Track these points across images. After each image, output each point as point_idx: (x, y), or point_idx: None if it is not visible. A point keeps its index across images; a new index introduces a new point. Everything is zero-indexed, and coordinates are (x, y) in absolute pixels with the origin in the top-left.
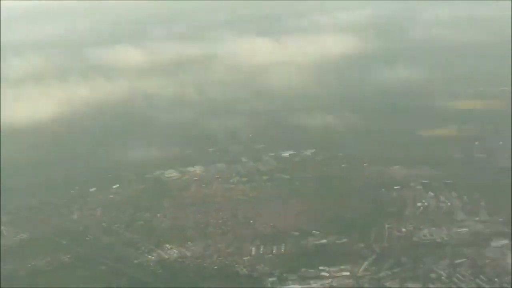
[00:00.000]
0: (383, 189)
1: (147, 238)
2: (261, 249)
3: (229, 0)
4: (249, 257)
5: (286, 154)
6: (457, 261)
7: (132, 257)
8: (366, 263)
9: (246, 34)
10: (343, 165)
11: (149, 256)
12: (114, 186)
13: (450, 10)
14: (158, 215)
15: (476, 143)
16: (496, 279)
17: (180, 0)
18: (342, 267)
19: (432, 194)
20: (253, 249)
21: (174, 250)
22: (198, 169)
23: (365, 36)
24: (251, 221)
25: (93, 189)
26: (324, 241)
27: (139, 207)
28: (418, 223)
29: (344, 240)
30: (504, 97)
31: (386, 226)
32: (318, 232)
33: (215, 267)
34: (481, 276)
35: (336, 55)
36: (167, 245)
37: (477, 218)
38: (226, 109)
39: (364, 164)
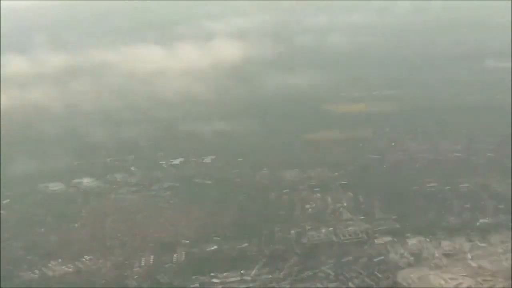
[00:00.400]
0: (273, 193)
1: (30, 256)
2: (152, 260)
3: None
4: (139, 268)
5: (177, 162)
6: (343, 260)
7: (13, 276)
8: (257, 266)
9: (138, 41)
10: (235, 171)
11: (32, 274)
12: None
13: (339, 16)
14: (42, 230)
15: (361, 144)
16: (380, 275)
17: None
18: (233, 272)
19: (319, 195)
20: (144, 260)
21: (60, 266)
22: (86, 180)
23: (257, 42)
24: (142, 232)
25: None
26: (214, 247)
27: (22, 223)
28: (306, 225)
29: (234, 245)
30: (394, 100)
31: (276, 229)
32: (208, 239)
33: (103, 281)
34: (366, 273)
35: (229, 61)
36: (52, 261)
37: (362, 217)
38: (117, 118)
39: (255, 169)
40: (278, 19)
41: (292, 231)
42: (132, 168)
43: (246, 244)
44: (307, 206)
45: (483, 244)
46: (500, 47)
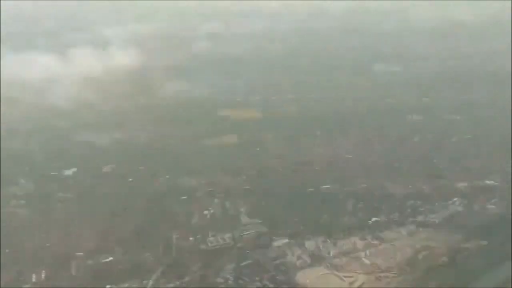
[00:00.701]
0: (172, 201)
1: None
2: (44, 275)
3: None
4: (31, 284)
5: (70, 172)
6: (242, 264)
7: None
8: (154, 276)
9: (29, 48)
10: (133, 179)
11: None
12: None
13: (235, 23)
14: None
15: (258, 149)
16: (279, 277)
17: None
18: (131, 282)
19: (217, 201)
20: (35, 276)
21: None
22: None
23: (154, 48)
24: (35, 246)
25: None
26: (111, 258)
27: None
28: (205, 231)
29: (132, 255)
30: (291, 104)
31: (174, 237)
32: (105, 250)
33: None
34: (265, 275)
35: (126, 68)
36: None
37: (261, 221)
38: (7, 128)
39: (154, 177)
40: (175, 25)
41: (191, 238)
42: (23, 180)
43: (147, 254)
44: (205, 212)
45: (375, 242)
46: (389, 52)
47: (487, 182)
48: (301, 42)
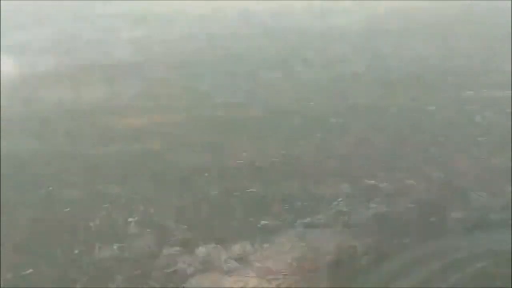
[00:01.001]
0: (55, 213)
1: None
2: None
3: None
4: None
5: None
6: (132, 274)
7: None
8: None
9: None
10: (15, 192)
11: None
12: None
13: (122, 29)
14: None
15: (143, 157)
16: (168, 286)
17: None
18: None
19: (105, 212)
20: None
21: None
22: None
23: (38, 56)
24: None
25: None
26: (10, 275)
27: None
28: (91, 242)
29: (17, 272)
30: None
31: (59, 250)
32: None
33: None
34: (156, 285)
35: (6, 78)
36: None
37: (151, 230)
38: None
39: (35, 189)
40: (72, 32)
41: (76, 251)
42: None
43: (30, 270)
44: (92, 223)
45: (266, 245)
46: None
47: (368, 181)
48: (195, 47)
